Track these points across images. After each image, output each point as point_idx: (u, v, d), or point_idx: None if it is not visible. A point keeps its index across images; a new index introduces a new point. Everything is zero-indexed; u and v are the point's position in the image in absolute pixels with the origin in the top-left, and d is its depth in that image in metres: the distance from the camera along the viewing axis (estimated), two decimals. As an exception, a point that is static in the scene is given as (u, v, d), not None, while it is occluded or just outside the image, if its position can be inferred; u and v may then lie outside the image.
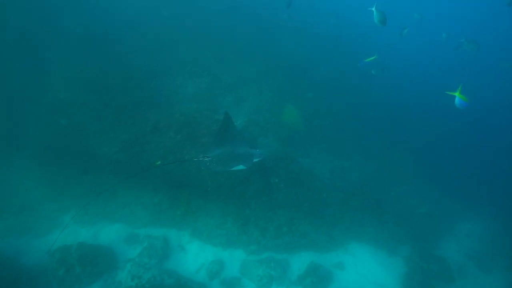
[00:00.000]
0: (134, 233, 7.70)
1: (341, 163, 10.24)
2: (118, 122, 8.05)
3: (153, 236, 7.53)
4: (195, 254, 7.52)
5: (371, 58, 7.51)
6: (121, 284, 6.45)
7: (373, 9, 6.01)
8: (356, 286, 7.67)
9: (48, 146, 7.58)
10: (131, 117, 8.18)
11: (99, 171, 8.03)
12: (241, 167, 5.40)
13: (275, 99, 10.56)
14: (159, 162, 7.43)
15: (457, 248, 9.69)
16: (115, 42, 9.85)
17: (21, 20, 9.13)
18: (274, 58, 11.49)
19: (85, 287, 6.14)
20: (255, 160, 5.64)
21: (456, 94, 6.17)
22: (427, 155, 12.07)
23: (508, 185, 12.07)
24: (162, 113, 8.12)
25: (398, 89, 15.00)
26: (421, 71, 18.76)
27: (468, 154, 13.35)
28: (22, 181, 7.62)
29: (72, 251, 6.37)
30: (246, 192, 8.20)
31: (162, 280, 6.42)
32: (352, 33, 15.75)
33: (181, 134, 7.84)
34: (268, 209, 8.32)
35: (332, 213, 8.71)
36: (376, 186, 10.10)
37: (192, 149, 7.84)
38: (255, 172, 8.16)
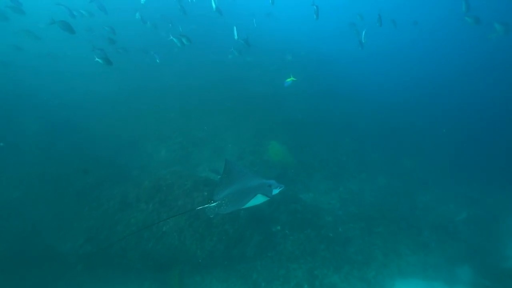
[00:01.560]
0: None
1: (349, 187, 8.82)
2: (80, 209, 6.91)
3: None
4: None
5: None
6: None
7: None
8: None
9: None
10: (95, 199, 7.08)
11: (69, 274, 6.52)
12: (260, 200, 4.24)
13: (255, 139, 9.72)
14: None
15: (527, 252, 7.61)
16: (76, 130, 9.41)
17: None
18: (243, 102, 11.07)
19: None
20: (275, 191, 4.58)
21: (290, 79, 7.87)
22: (441, 153, 10.72)
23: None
24: (129, 186, 7.06)
25: (388, 91, 14.52)
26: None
27: (486, 142, 12.02)
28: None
29: None
30: (246, 252, 6.61)
31: None
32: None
33: (153, 202, 6.63)
34: (279, 267, 6.62)
35: (357, 250, 6.94)
36: (397, 202, 8.51)
37: (168, 216, 6.52)
38: (249, 225, 6.71)
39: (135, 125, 10.31)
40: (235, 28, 8.91)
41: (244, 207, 4.53)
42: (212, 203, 4.62)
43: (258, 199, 4.21)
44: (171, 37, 8.68)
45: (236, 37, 9.26)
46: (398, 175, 9.43)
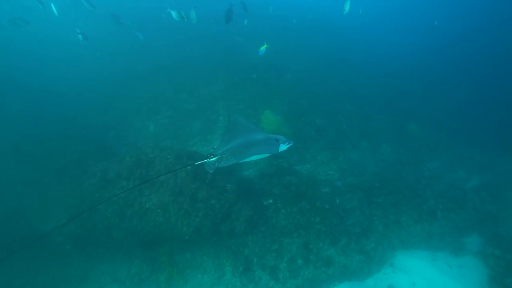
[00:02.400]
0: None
1: (349, 156, 8.17)
2: (61, 187, 6.57)
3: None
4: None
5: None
6: None
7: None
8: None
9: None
10: (76, 177, 6.71)
11: (60, 254, 6.36)
12: (264, 154, 3.99)
13: (249, 109, 9.00)
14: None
15: (543, 218, 6.98)
16: (61, 110, 8.89)
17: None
18: (238, 72, 10.20)
19: None
20: (283, 146, 4.37)
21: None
22: (450, 116, 9.79)
23: None
24: (110, 163, 6.62)
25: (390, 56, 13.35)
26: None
27: (498, 101, 10.94)
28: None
29: None
30: (235, 227, 6.21)
31: None
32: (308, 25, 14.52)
33: (133, 178, 6.20)
34: (271, 242, 6.25)
35: (356, 222, 6.46)
36: (402, 170, 7.86)
37: (151, 192, 6.11)
38: (237, 199, 6.24)
39: (124, 101, 9.72)
40: None
41: (247, 159, 4.23)
42: (212, 157, 4.32)
43: (262, 155, 3.86)
44: (169, 10, 7.83)
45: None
46: (403, 142, 8.67)
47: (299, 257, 6.07)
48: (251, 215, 6.27)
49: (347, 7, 8.38)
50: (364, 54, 13.87)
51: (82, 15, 9.95)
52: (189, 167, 6.21)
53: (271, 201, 6.66)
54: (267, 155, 4.20)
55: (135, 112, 9.41)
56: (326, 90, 9.41)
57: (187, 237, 6.15)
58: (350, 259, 6.11)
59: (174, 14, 7.78)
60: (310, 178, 7.40)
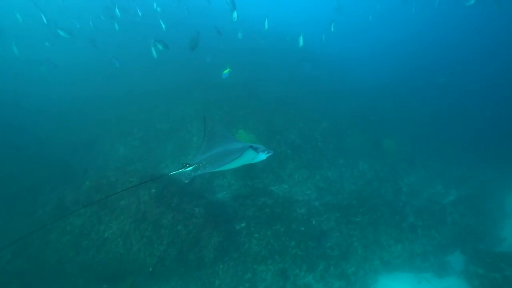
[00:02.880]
0: None
1: (326, 174, 7.95)
2: (10, 217, 5.92)
3: None
4: None
5: (227, 70, 8.24)
6: None
7: None
8: None
9: None
10: (28, 204, 6.09)
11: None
12: (245, 159, 3.83)
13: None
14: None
15: (523, 232, 6.84)
16: (24, 129, 8.39)
17: None
18: (213, 91, 10.07)
19: None
20: (262, 155, 4.15)
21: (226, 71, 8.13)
22: (426, 131, 9.89)
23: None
24: (68, 188, 6.08)
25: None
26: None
27: (474, 114, 11.23)
28: None
29: None
30: (204, 255, 5.69)
31: None
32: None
33: (94, 207, 5.66)
34: (244, 270, 5.75)
35: (333, 244, 6.08)
36: (380, 187, 7.67)
37: (111, 219, 5.57)
38: (206, 224, 5.77)
39: (93, 124, 9.29)
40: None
41: (225, 167, 4.05)
42: (188, 166, 4.15)
43: (245, 158, 3.63)
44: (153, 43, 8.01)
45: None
46: (379, 158, 8.58)
47: (275, 286, 5.57)
48: (221, 241, 5.79)
49: (332, 27, 9.08)
50: (338, 70, 14.21)
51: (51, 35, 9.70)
52: (154, 190, 5.77)
53: (243, 224, 6.23)
54: (245, 163, 4.05)
55: (105, 134, 8.97)
56: (301, 108, 9.38)
57: (150, 269, 5.56)
58: (329, 286, 5.65)
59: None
60: (286, 198, 7.06)
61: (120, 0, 11.24)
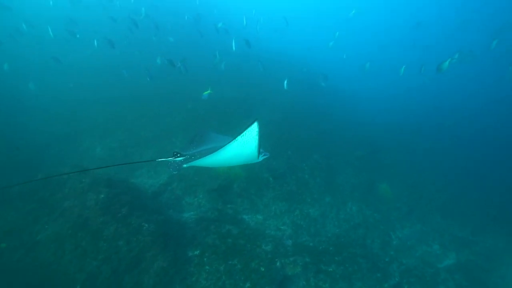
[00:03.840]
0: None
1: (307, 211, 7.14)
2: None
3: None
4: None
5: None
6: None
7: None
8: None
9: None
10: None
11: None
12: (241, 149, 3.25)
13: (207, 145, 8.26)
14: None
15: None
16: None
17: None
18: (204, 106, 9.75)
19: None
20: (261, 156, 3.98)
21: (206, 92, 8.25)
22: (428, 179, 8.95)
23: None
24: (20, 177, 5.64)
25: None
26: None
27: (484, 170, 10.21)
28: None
29: None
30: (142, 280, 4.93)
31: None
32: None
33: (32, 201, 5.14)
34: (186, 308, 4.86)
35: (296, 296, 5.13)
36: (366, 235, 6.76)
37: (49, 220, 5.00)
38: (154, 243, 5.08)
39: (77, 120, 9.12)
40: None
41: (219, 156, 3.51)
42: (178, 156, 3.88)
43: (245, 139, 2.99)
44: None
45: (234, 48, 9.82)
46: (372, 203, 7.70)
47: (216, 336, 4.65)
48: (166, 268, 5.02)
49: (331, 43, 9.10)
50: (341, 101, 13.71)
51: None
52: (103, 195, 5.21)
53: (197, 252, 5.46)
54: (240, 156, 3.52)
55: (86, 132, 8.72)
56: (293, 135, 8.83)
57: (78, 287, 4.82)
58: None
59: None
60: (255, 230, 6.28)
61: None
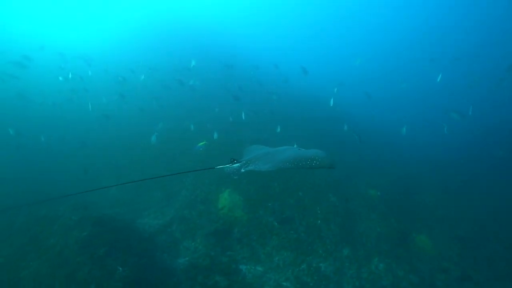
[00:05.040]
0: None
1: (317, 265, 5.97)
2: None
3: None
4: None
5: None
6: None
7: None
8: None
9: None
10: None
11: None
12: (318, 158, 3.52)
13: (213, 186, 8.02)
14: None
15: None
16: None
17: None
18: (222, 145, 9.75)
19: None
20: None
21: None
22: (484, 229, 6.82)
23: None
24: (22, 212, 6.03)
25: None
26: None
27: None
28: None
29: None
30: (107, 335, 4.40)
31: None
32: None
33: (21, 238, 5.31)
34: None
35: None
36: (393, 304, 5.16)
37: (36, 257, 5.05)
38: (125, 289, 4.65)
39: (100, 161, 9.95)
40: None
41: (280, 166, 3.68)
42: (235, 163, 4.07)
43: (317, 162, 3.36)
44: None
45: None
46: (406, 259, 6.07)
47: None
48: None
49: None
50: (368, 130, 12.22)
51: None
52: (86, 233, 5.14)
53: (173, 307, 4.78)
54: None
55: (109, 172, 9.35)
56: (307, 174, 7.98)
57: None
58: None
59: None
60: (249, 285, 5.37)
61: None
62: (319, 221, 6.79)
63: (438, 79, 10.22)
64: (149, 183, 8.93)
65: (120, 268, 4.91)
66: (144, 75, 14.26)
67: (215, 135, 9.30)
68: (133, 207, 8.32)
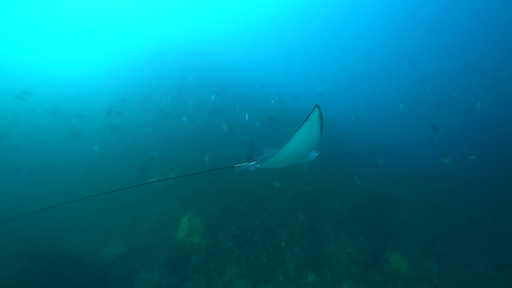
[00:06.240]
0: None
1: (278, 296, 5.38)
2: None
3: None
4: None
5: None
6: None
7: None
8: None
9: None
10: None
11: None
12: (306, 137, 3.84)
13: (179, 210, 7.68)
14: None
15: None
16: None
17: None
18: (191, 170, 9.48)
19: None
20: (313, 154, 4.72)
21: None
22: (472, 240, 6.05)
23: None
24: None
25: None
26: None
27: None
28: None
29: None
30: None
31: None
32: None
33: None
34: None
35: None
36: None
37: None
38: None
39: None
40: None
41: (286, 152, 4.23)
42: (251, 161, 4.73)
43: (309, 127, 3.49)
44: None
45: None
46: (381, 283, 5.41)
47: None
48: None
49: None
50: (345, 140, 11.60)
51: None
52: (19, 268, 4.86)
53: None
54: (303, 147, 4.10)
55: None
56: (276, 194, 7.53)
57: None
58: None
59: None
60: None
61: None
62: (283, 244, 6.27)
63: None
64: (118, 208, 8.74)
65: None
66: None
67: None
68: (101, 235, 8.04)
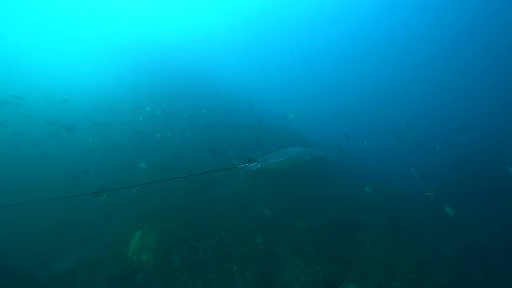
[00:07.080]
0: None
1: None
2: None
3: None
4: None
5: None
6: None
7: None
8: None
9: None
10: None
11: None
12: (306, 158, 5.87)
13: (136, 225, 7.38)
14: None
15: None
16: None
17: None
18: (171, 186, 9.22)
19: None
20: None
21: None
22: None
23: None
24: None
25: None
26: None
27: None
28: None
29: None
30: None
31: None
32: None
33: None
34: None
35: None
36: None
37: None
38: None
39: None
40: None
41: (288, 157, 5.83)
42: (253, 162, 5.32)
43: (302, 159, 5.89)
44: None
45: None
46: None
47: None
48: None
49: None
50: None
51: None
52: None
53: None
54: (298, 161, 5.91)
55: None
56: (237, 213, 7.20)
57: None
58: None
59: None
60: None
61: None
62: (235, 267, 5.90)
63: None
64: (78, 220, 8.42)
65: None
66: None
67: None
68: (54, 247, 7.68)
